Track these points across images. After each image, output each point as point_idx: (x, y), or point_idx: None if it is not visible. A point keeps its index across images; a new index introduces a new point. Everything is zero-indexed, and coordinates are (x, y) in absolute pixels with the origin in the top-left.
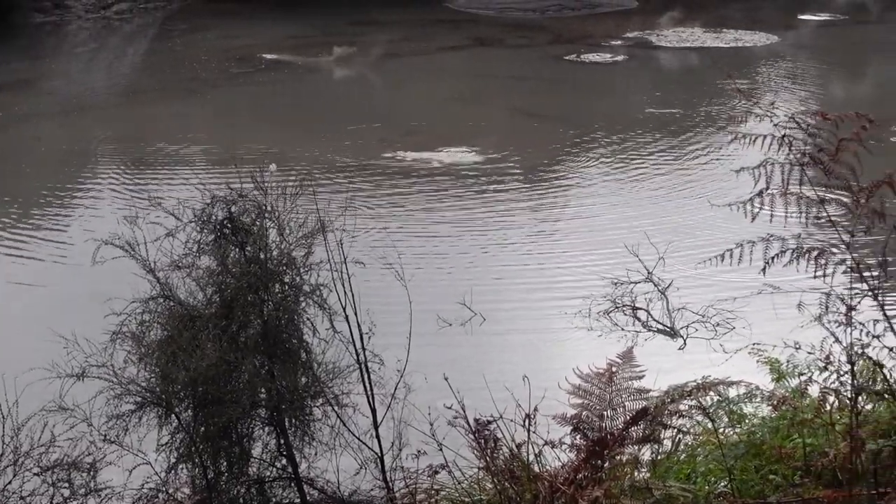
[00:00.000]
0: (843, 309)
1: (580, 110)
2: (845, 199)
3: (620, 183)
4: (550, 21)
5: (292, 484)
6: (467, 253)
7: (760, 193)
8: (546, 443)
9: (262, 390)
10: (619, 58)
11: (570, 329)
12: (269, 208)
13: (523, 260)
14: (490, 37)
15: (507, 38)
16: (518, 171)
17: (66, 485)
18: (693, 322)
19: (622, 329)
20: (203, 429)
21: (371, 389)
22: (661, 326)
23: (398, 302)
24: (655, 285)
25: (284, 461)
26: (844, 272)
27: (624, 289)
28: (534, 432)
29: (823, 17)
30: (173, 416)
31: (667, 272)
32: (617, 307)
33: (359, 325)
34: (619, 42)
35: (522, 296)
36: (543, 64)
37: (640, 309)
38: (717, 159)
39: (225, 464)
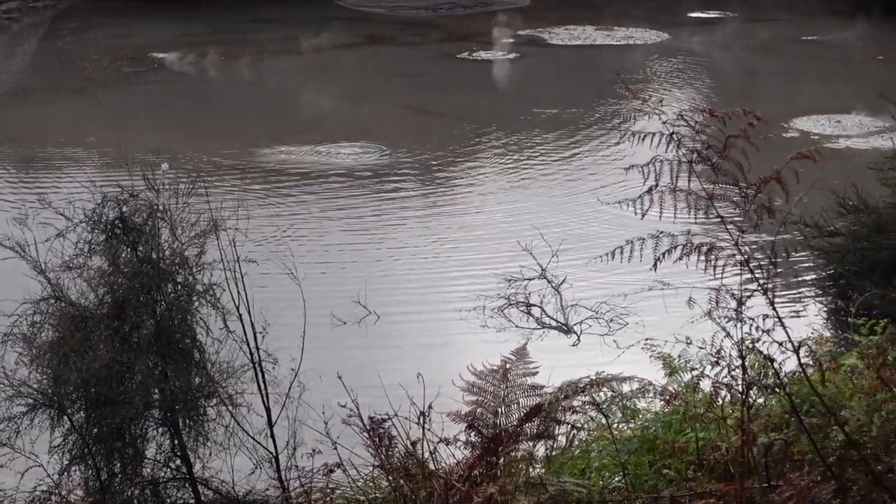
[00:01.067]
0: (734, 304)
1: (473, 108)
2: (734, 196)
3: (514, 181)
4: (443, 19)
5: (187, 484)
6: (361, 251)
7: (650, 191)
8: (441, 440)
9: (156, 391)
10: (511, 55)
11: (464, 326)
12: (160, 208)
13: (418, 258)
14: (382, 34)
15: (399, 35)
16: (412, 169)
17: None
18: (586, 318)
19: (516, 326)
20: (96, 430)
21: (265, 389)
22: (554, 323)
23: (292, 301)
24: (549, 282)
25: (179, 462)
26: (734, 267)
27: (518, 286)
28: (428, 430)
29: (713, 14)
30: (66, 417)
31: (560, 269)
32: (511, 304)
33: (252, 325)
34: (511, 40)
35: (417, 294)
36: (436, 61)
37: (534, 306)
38: (609, 157)
39: (119, 465)
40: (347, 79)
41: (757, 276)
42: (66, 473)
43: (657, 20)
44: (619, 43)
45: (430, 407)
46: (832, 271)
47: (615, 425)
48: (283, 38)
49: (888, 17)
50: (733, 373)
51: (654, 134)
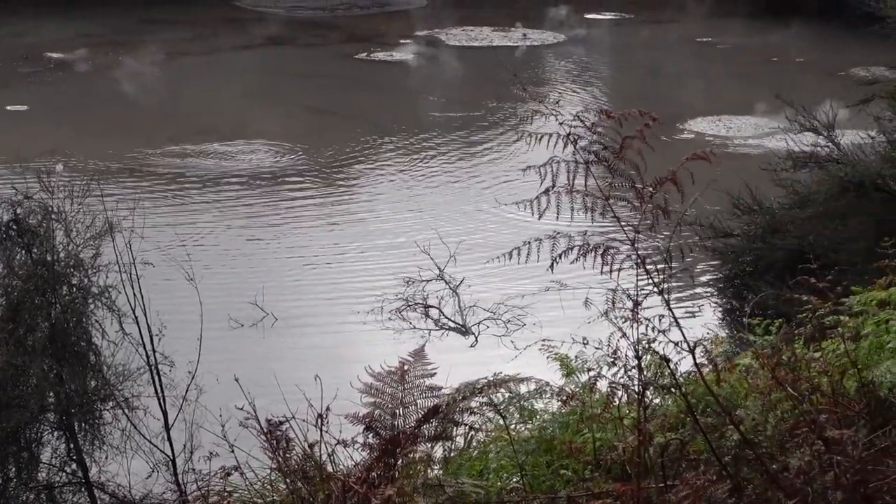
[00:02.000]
0: (630, 305)
1: (372, 110)
2: (631, 197)
3: (412, 183)
4: (342, 20)
5: (83, 489)
6: (259, 253)
7: (546, 191)
8: (339, 442)
9: (51, 394)
10: (409, 56)
11: (362, 328)
12: (55, 209)
13: (316, 259)
14: (282, 35)
15: (299, 36)
16: (311, 171)
17: None
18: (484, 319)
19: (414, 327)
20: None
21: (162, 392)
22: (452, 324)
23: (189, 303)
24: (447, 283)
25: (74, 466)
26: (630, 268)
27: (416, 287)
28: (326, 432)
29: (610, 15)
30: None
31: (458, 271)
32: (409, 305)
33: (149, 327)
34: (409, 41)
35: (315, 296)
36: (336, 62)
37: (432, 307)
38: (505, 158)
39: (14, 469)
40: (246, 80)
41: (653, 276)
42: None
43: (554, 21)
44: (515, 44)
45: (327, 409)
46: (727, 272)
47: (513, 426)
48: (180, 38)
49: (780, 20)
50: (630, 373)
51: (550, 135)
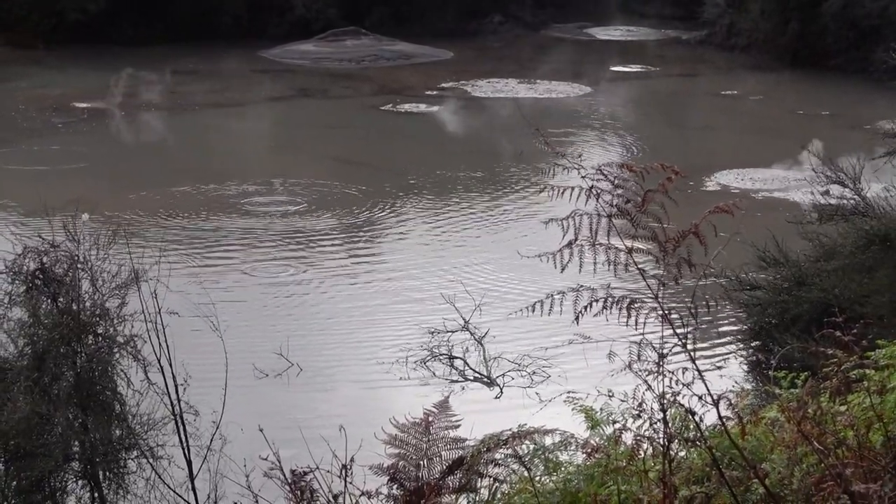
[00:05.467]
0: (654, 358)
1: (399, 161)
2: (653, 250)
3: (436, 234)
4: (371, 71)
5: None
6: (284, 303)
7: (569, 244)
8: (363, 493)
9: (76, 443)
10: (435, 108)
11: (387, 379)
12: (81, 259)
13: (341, 310)
14: (311, 87)
15: (330, 88)
16: (337, 221)
17: None
18: (509, 371)
19: (439, 378)
20: (15, 483)
21: (186, 441)
22: (477, 375)
23: (214, 353)
24: (472, 334)
25: None
26: (654, 321)
27: (441, 338)
28: (350, 483)
29: (636, 68)
30: None
31: (483, 322)
32: (434, 356)
33: (174, 377)
34: (435, 92)
35: (339, 346)
36: (362, 114)
37: (457, 358)
38: (529, 211)
39: None
40: (275, 131)
41: (677, 329)
42: None
43: (580, 73)
44: (541, 96)
45: (352, 460)
46: (753, 324)
47: (537, 478)
48: (210, 90)
49: (805, 74)
50: (655, 426)
51: (573, 188)
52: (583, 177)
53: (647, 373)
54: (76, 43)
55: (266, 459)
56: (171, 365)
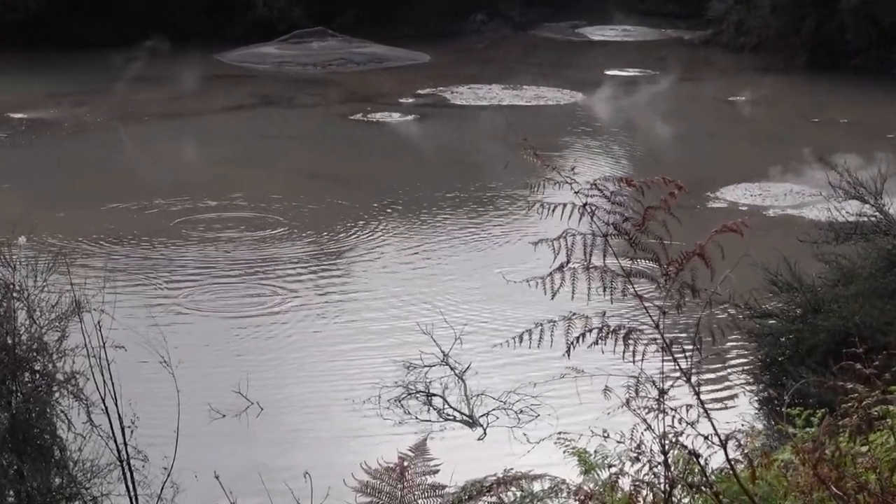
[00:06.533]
0: (655, 394)
1: (371, 176)
2: (654, 273)
3: (413, 257)
4: (340, 76)
5: None
6: (242, 334)
7: (561, 268)
8: None
9: (10, 492)
10: (410, 117)
11: (358, 419)
12: (17, 287)
13: (307, 342)
14: (273, 94)
15: (295, 95)
16: (302, 243)
17: None
18: (493, 409)
19: (416, 418)
20: None
21: (134, 490)
22: (458, 415)
23: (165, 391)
24: (452, 369)
25: None
26: (655, 353)
27: (418, 373)
28: None
29: (633, 72)
30: None
31: (464, 355)
32: (410, 394)
33: (120, 418)
34: (412, 100)
35: (305, 383)
36: (330, 124)
37: (436, 395)
38: (516, 231)
39: None
40: (233, 142)
41: (680, 362)
42: None
43: (571, 78)
44: (528, 103)
45: None
46: (764, 356)
47: None
48: (166, 98)
49: (820, 77)
50: (655, 469)
51: (565, 205)
52: (576, 192)
53: (646, 410)
54: (13, 46)
55: None
56: (116, 405)
